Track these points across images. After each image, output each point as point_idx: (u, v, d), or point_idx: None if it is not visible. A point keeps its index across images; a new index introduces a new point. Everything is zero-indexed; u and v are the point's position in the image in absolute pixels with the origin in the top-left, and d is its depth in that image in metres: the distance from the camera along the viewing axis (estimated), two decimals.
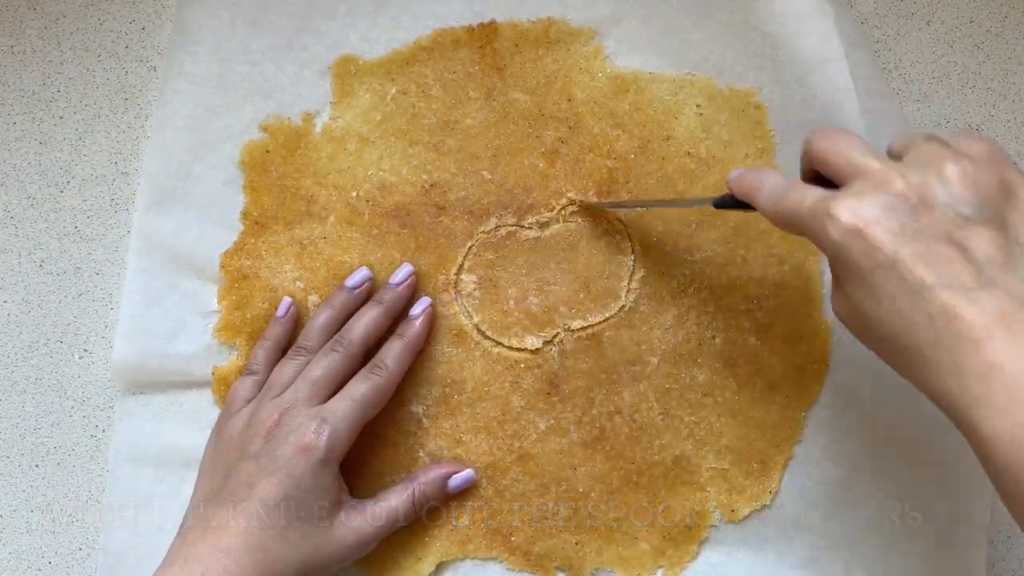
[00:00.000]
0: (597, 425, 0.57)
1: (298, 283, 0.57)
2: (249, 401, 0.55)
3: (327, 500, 0.52)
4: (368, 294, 0.57)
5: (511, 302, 0.58)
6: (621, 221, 0.58)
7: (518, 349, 0.58)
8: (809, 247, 0.58)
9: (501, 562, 0.57)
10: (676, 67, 0.59)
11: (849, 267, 0.42)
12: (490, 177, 0.58)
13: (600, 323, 0.58)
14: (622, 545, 0.57)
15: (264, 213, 0.58)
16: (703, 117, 0.58)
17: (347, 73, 0.58)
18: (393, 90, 0.58)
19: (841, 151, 0.44)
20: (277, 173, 0.58)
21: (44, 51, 0.60)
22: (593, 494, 0.57)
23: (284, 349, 0.56)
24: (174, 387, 0.57)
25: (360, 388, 0.53)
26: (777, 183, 0.45)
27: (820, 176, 0.45)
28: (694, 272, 0.58)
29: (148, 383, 0.57)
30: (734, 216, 0.58)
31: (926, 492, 0.57)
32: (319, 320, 0.56)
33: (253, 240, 0.58)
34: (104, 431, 0.59)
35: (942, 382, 0.39)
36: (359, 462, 0.57)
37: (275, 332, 0.57)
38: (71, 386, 0.59)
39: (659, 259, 0.58)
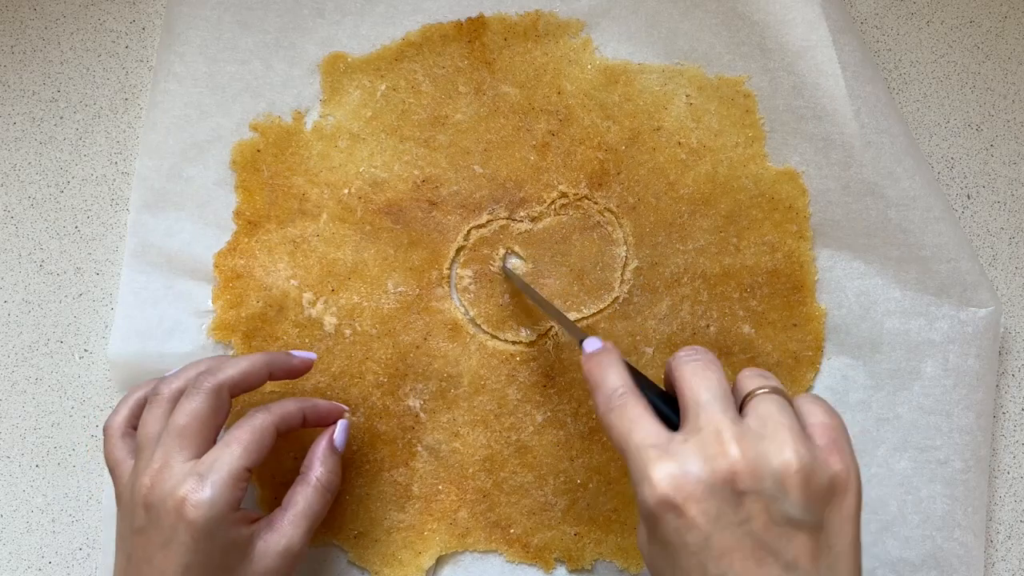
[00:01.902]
0: (594, 416, 0.57)
1: (292, 281, 0.57)
2: (125, 460, 0.49)
3: (234, 550, 0.47)
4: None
5: (506, 296, 0.57)
6: (613, 212, 0.57)
7: (514, 342, 0.57)
8: (801, 235, 0.57)
9: (500, 554, 0.57)
10: (665, 57, 0.58)
11: (656, 534, 0.41)
12: (481, 171, 0.58)
13: (595, 315, 0.57)
14: (621, 535, 0.57)
15: (257, 212, 0.57)
16: (693, 107, 0.58)
17: (336, 70, 0.58)
18: (383, 86, 0.58)
19: (695, 386, 0.42)
20: (269, 172, 0.58)
21: (44, 51, 0.60)
22: (591, 485, 0.57)
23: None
24: None
25: (237, 432, 0.48)
26: (614, 388, 0.44)
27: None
28: (687, 262, 0.57)
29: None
30: (726, 205, 0.57)
31: (922, 477, 0.56)
32: (188, 366, 0.51)
33: (246, 239, 0.57)
34: None
35: None
36: (357, 459, 0.56)
37: (141, 387, 0.52)
38: (71, 386, 0.59)
39: (652, 249, 0.57)
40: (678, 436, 0.41)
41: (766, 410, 0.42)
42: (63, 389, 0.59)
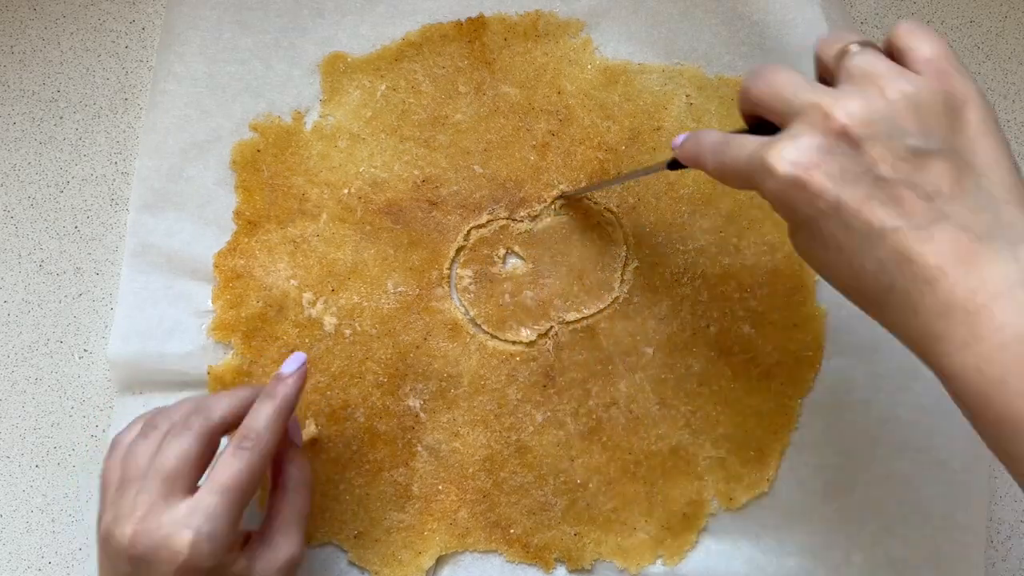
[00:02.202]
0: (594, 416, 0.57)
1: (292, 281, 0.57)
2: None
3: None
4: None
5: (506, 296, 0.57)
6: (613, 212, 0.57)
7: (513, 342, 0.57)
8: None
9: (500, 554, 0.57)
10: (665, 57, 0.58)
11: (794, 217, 0.39)
12: (481, 171, 0.57)
13: (594, 314, 0.57)
14: (621, 535, 0.56)
15: (257, 212, 0.57)
16: (693, 107, 0.58)
17: (336, 71, 0.58)
18: (383, 86, 0.58)
19: (776, 92, 0.40)
20: (269, 172, 0.57)
21: (44, 51, 0.60)
22: (591, 485, 0.56)
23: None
24: (170, 387, 0.57)
25: (228, 473, 0.45)
26: (716, 140, 0.43)
27: (764, 122, 0.42)
28: (687, 262, 0.57)
29: (144, 383, 0.57)
30: (726, 205, 0.57)
31: (923, 476, 0.56)
32: (187, 400, 0.48)
33: (246, 239, 0.57)
34: (104, 431, 0.59)
35: (903, 324, 0.38)
36: (357, 459, 0.56)
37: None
38: (71, 386, 0.59)
39: (652, 249, 0.57)
40: (785, 130, 0.39)
41: (857, 65, 0.39)
42: (63, 389, 0.59)
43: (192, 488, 0.45)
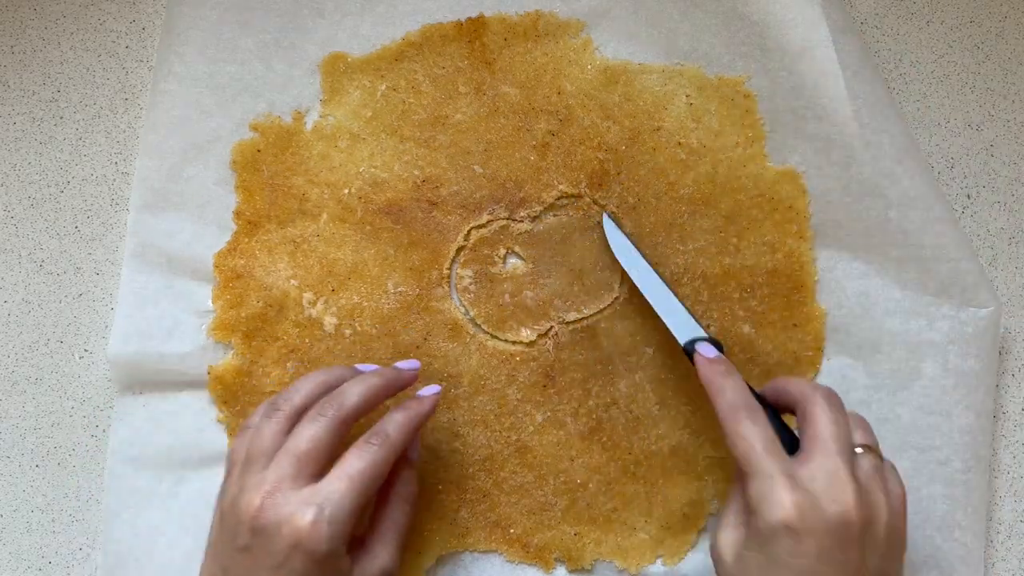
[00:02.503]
0: (594, 416, 0.57)
1: (292, 281, 0.57)
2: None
3: None
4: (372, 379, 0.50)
5: (506, 296, 0.57)
6: (613, 212, 0.56)
7: (514, 342, 0.57)
8: (801, 235, 0.57)
9: (500, 554, 0.56)
10: (665, 57, 0.58)
11: (766, 549, 0.44)
12: (482, 171, 0.57)
13: (594, 315, 0.57)
14: (621, 535, 0.56)
15: (257, 212, 0.57)
16: (693, 107, 0.57)
17: (336, 71, 0.58)
18: (383, 86, 0.57)
19: (823, 423, 0.46)
20: (269, 172, 0.57)
21: (44, 51, 0.60)
22: (591, 485, 0.56)
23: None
24: (171, 387, 0.57)
25: (357, 464, 0.46)
26: (743, 399, 0.48)
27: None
28: (687, 262, 0.57)
29: (145, 383, 0.57)
30: (726, 205, 0.57)
31: (922, 477, 0.56)
32: (307, 380, 0.50)
33: (246, 239, 0.57)
34: (104, 431, 0.58)
35: None
36: None
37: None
38: (71, 386, 0.59)
39: (652, 249, 0.57)
40: (803, 468, 0.45)
41: (869, 468, 0.46)
42: (63, 389, 0.58)
43: (320, 473, 0.46)
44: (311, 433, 0.46)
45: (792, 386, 0.48)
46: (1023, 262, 0.59)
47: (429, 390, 0.51)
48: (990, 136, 0.60)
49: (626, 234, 0.56)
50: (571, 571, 0.56)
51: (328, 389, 0.49)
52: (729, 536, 0.46)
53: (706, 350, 0.51)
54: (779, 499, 0.43)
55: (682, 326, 0.53)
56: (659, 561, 0.56)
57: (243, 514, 0.45)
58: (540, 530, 0.56)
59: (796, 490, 0.43)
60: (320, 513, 0.44)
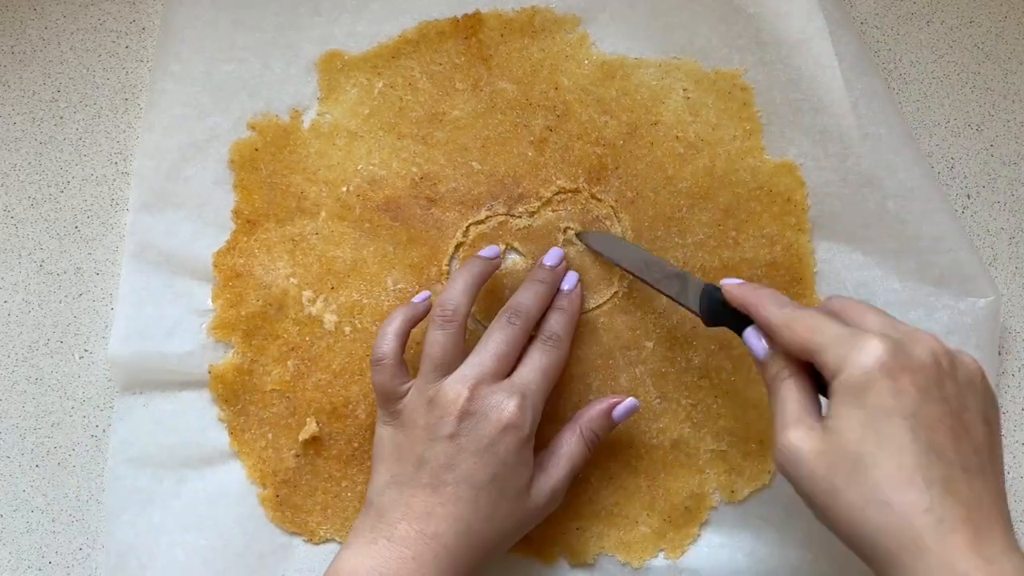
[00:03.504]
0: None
1: (292, 279, 0.56)
2: (394, 386, 0.51)
3: (529, 473, 0.50)
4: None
5: (506, 292, 0.57)
6: (612, 207, 0.56)
7: None
8: (800, 227, 0.56)
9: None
10: (662, 51, 0.58)
11: (864, 400, 0.41)
12: (479, 168, 0.57)
13: (594, 309, 0.57)
14: (623, 529, 0.56)
15: (255, 211, 0.57)
16: (690, 101, 0.57)
17: (333, 68, 0.57)
18: (380, 84, 0.57)
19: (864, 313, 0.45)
20: (267, 171, 0.57)
21: (44, 51, 0.60)
22: (592, 479, 0.56)
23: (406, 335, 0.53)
24: (171, 386, 0.56)
25: (543, 360, 0.51)
26: (782, 304, 0.46)
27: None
28: (686, 255, 0.56)
29: (145, 382, 0.56)
30: (725, 199, 0.56)
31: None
32: (458, 290, 0.52)
33: (245, 238, 0.56)
34: (104, 431, 0.58)
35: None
36: (359, 456, 0.56)
37: (408, 314, 0.53)
38: (71, 386, 0.58)
39: (651, 243, 0.57)
40: (873, 332, 0.43)
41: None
42: (63, 389, 0.58)
43: (509, 369, 0.51)
44: (506, 337, 0.51)
45: (822, 305, 0.48)
46: (1023, 262, 0.59)
47: (570, 281, 0.55)
48: (990, 136, 0.59)
49: (596, 238, 0.56)
50: (573, 565, 0.56)
51: (477, 285, 0.53)
52: (797, 431, 0.43)
53: (731, 281, 0.50)
54: (867, 346, 0.41)
55: (689, 287, 0.52)
56: (661, 554, 0.56)
57: (450, 406, 0.49)
58: (542, 525, 0.55)
59: (880, 337, 0.42)
60: (524, 400, 0.49)
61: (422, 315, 0.53)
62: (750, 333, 0.47)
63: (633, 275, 0.54)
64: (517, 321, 0.51)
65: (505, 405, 0.49)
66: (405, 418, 0.50)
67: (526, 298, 0.53)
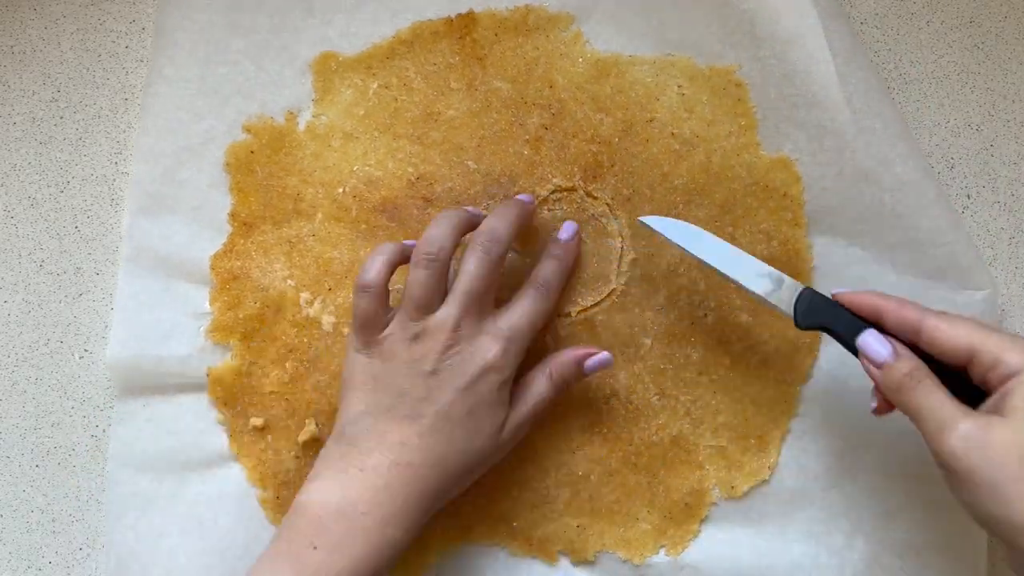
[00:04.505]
0: (594, 408, 0.56)
1: (289, 281, 0.56)
2: (377, 316, 0.51)
3: (504, 413, 0.51)
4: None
5: (505, 290, 0.56)
6: (608, 204, 0.56)
7: None
8: (796, 222, 0.56)
9: (503, 548, 0.56)
10: (656, 48, 0.58)
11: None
12: (475, 167, 0.57)
13: (592, 307, 0.56)
14: (623, 526, 0.56)
15: (252, 213, 0.57)
16: (685, 97, 0.57)
17: (328, 70, 0.57)
18: (375, 85, 0.57)
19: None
20: (263, 173, 0.57)
21: (44, 51, 0.60)
22: (592, 477, 0.56)
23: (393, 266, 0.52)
24: (170, 390, 0.56)
25: (529, 306, 0.52)
26: (913, 364, 0.46)
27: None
28: (683, 252, 0.55)
29: (144, 386, 0.56)
30: (721, 195, 0.56)
31: (925, 461, 0.54)
32: (443, 230, 0.51)
33: (242, 241, 0.57)
34: (104, 431, 0.58)
35: None
36: None
37: (399, 248, 0.52)
38: (71, 386, 0.58)
39: (648, 240, 0.56)
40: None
41: None
42: (63, 389, 0.58)
43: (491, 305, 0.52)
44: (479, 271, 0.50)
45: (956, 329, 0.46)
46: (1023, 261, 0.59)
47: (568, 231, 0.55)
48: (990, 136, 0.59)
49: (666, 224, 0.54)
50: (575, 563, 0.56)
51: (461, 229, 0.52)
52: (975, 421, 0.43)
53: (841, 290, 0.49)
54: None
55: (784, 289, 0.51)
56: (662, 551, 0.55)
57: (433, 343, 0.50)
58: (543, 523, 0.56)
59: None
60: (508, 344, 0.50)
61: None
62: (870, 337, 0.47)
63: (712, 267, 0.52)
64: (491, 250, 0.51)
65: (489, 347, 0.50)
66: (385, 350, 0.50)
67: (496, 224, 0.52)
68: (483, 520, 0.56)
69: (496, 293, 0.52)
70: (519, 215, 0.53)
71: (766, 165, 0.56)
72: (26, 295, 0.59)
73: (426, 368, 0.49)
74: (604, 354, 0.53)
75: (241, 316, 0.56)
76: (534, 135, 0.57)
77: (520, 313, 0.52)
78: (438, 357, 0.49)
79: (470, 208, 0.55)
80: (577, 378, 0.54)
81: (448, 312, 0.50)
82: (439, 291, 0.51)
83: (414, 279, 0.50)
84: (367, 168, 0.57)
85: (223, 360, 0.56)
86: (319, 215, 0.57)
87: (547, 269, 0.54)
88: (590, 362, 0.53)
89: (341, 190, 0.57)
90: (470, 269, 0.51)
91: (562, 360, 0.53)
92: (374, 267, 0.51)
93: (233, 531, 0.55)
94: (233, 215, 0.57)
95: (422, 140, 0.57)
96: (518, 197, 0.55)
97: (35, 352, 0.58)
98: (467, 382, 0.49)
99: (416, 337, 0.50)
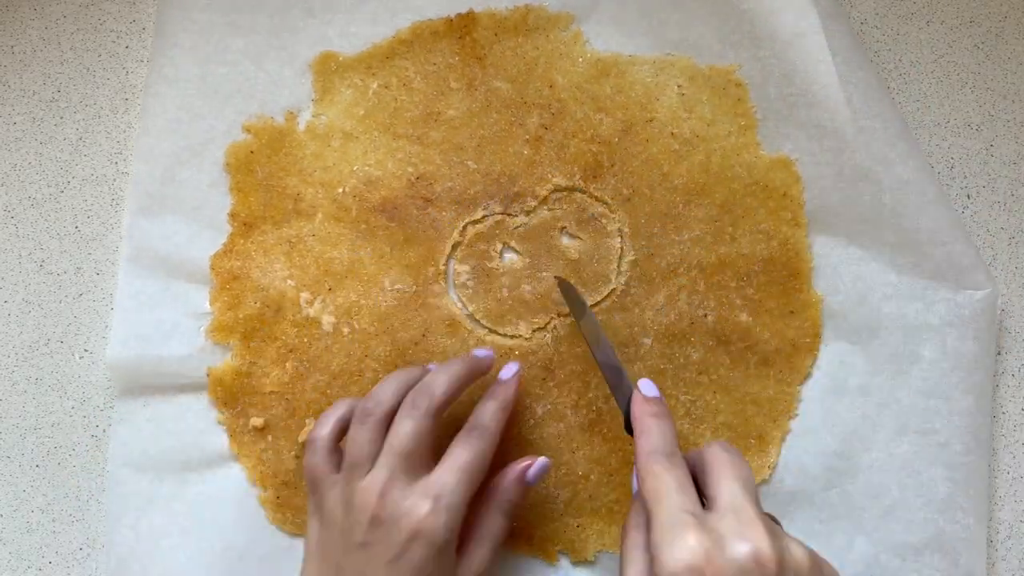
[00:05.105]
0: (594, 408, 0.56)
1: (289, 281, 0.56)
2: (321, 470, 0.50)
3: (448, 573, 0.48)
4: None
5: (504, 290, 0.56)
6: (608, 204, 0.56)
7: (512, 336, 0.56)
8: (796, 222, 0.56)
9: (504, 547, 0.55)
10: (656, 48, 0.58)
11: None
12: (475, 167, 0.57)
13: (592, 307, 0.56)
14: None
15: (252, 213, 0.57)
16: (685, 97, 0.57)
17: (328, 70, 0.57)
18: (375, 85, 0.57)
19: (728, 476, 0.44)
20: (262, 173, 0.57)
21: (44, 51, 0.60)
22: (592, 476, 0.56)
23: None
24: (170, 390, 0.56)
25: (464, 456, 0.48)
26: (666, 444, 0.46)
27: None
28: (683, 252, 0.56)
29: (144, 386, 0.56)
30: (721, 194, 0.56)
31: (923, 460, 0.55)
32: (389, 384, 0.51)
33: (242, 241, 0.57)
34: (105, 431, 0.58)
35: None
36: None
37: (348, 404, 0.52)
38: (71, 386, 0.58)
39: (648, 241, 0.56)
40: (710, 513, 0.42)
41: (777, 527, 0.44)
42: (63, 389, 0.58)
43: (426, 464, 0.49)
44: (410, 429, 0.48)
45: (704, 449, 0.46)
46: (1023, 261, 0.59)
47: (509, 371, 0.53)
48: (990, 136, 0.59)
49: (572, 295, 0.55)
50: (574, 563, 0.56)
51: (408, 387, 0.51)
52: None
53: (647, 388, 0.49)
54: (683, 539, 0.40)
55: (623, 385, 0.51)
56: None
57: (360, 512, 0.47)
58: (543, 523, 0.55)
59: (702, 529, 0.41)
60: (437, 503, 0.47)
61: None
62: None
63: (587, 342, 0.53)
64: (422, 405, 0.49)
65: (417, 511, 0.46)
66: (326, 515, 0.49)
67: (435, 380, 0.50)
68: None
69: (435, 445, 0.50)
70: (467, 373, 0.51)
71: (766, 165, 0.56)
72: (26, 295, 0.59)
73: (356, 540, 0.47)
74: (541, 459, 0.52)
75: (241, 316, 0.56)
76: (534, 135, 0.57)
77: (450, 467, 0.48)
78: (366, 529, 0.47)
79: (432, 365, 0.54)
80: (526, 494, 0.52)
81: (375, 477, 0.47)
82: (375, 447, 0.49)
83: (350, 437, 0.49)
84: (367, 168, 0.57)
85: (223, 360, 0.56)
86: (319, 215, 0.57)
87: (482, 410, 0.51)
88: (531, 474, 0.52)
89: (341, 190, 0.57)
90: (398, 429, 0.48)
91: (504, 487, 0.51)
92: (327, 423, 0.51)
93: (233, 531, 0.55)
94: (233, 215, 0.57)
95: (422, 140, 0.57)
96: (475, 353, 0.53)
97: (35, 352, 0.58)
98: (395, 553, 0.46)
99: (348, 503, 0.48)
